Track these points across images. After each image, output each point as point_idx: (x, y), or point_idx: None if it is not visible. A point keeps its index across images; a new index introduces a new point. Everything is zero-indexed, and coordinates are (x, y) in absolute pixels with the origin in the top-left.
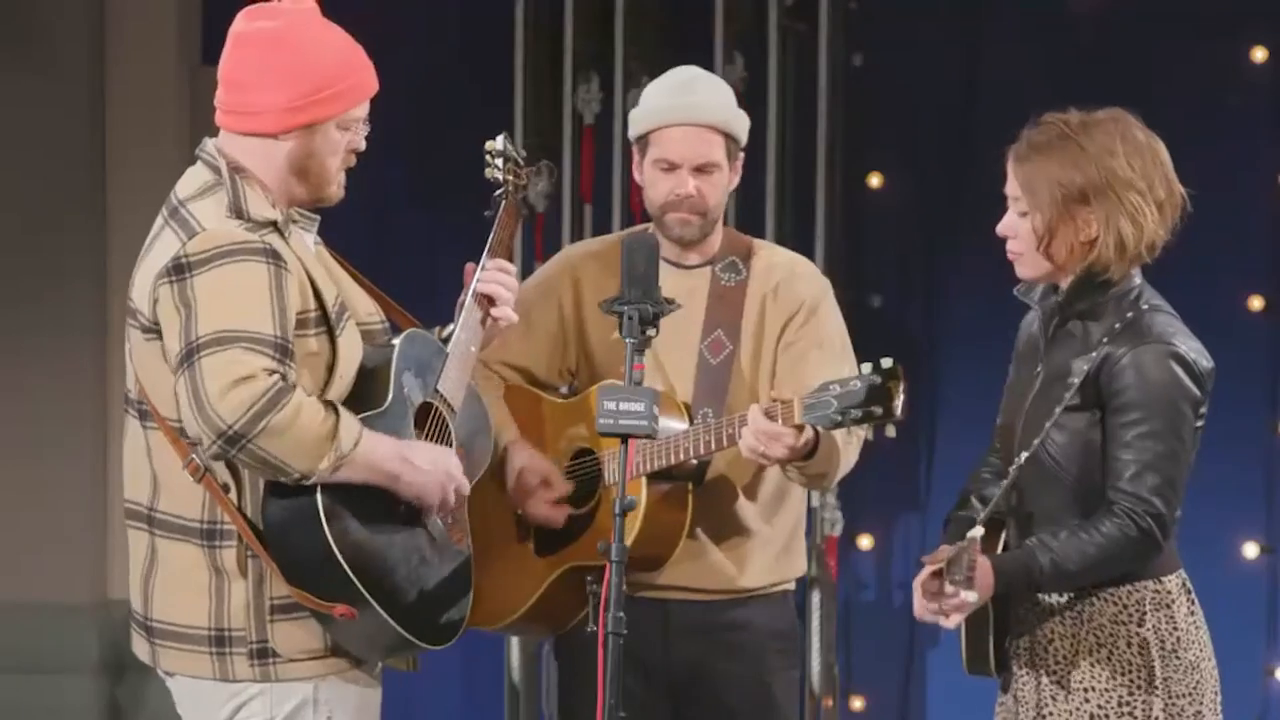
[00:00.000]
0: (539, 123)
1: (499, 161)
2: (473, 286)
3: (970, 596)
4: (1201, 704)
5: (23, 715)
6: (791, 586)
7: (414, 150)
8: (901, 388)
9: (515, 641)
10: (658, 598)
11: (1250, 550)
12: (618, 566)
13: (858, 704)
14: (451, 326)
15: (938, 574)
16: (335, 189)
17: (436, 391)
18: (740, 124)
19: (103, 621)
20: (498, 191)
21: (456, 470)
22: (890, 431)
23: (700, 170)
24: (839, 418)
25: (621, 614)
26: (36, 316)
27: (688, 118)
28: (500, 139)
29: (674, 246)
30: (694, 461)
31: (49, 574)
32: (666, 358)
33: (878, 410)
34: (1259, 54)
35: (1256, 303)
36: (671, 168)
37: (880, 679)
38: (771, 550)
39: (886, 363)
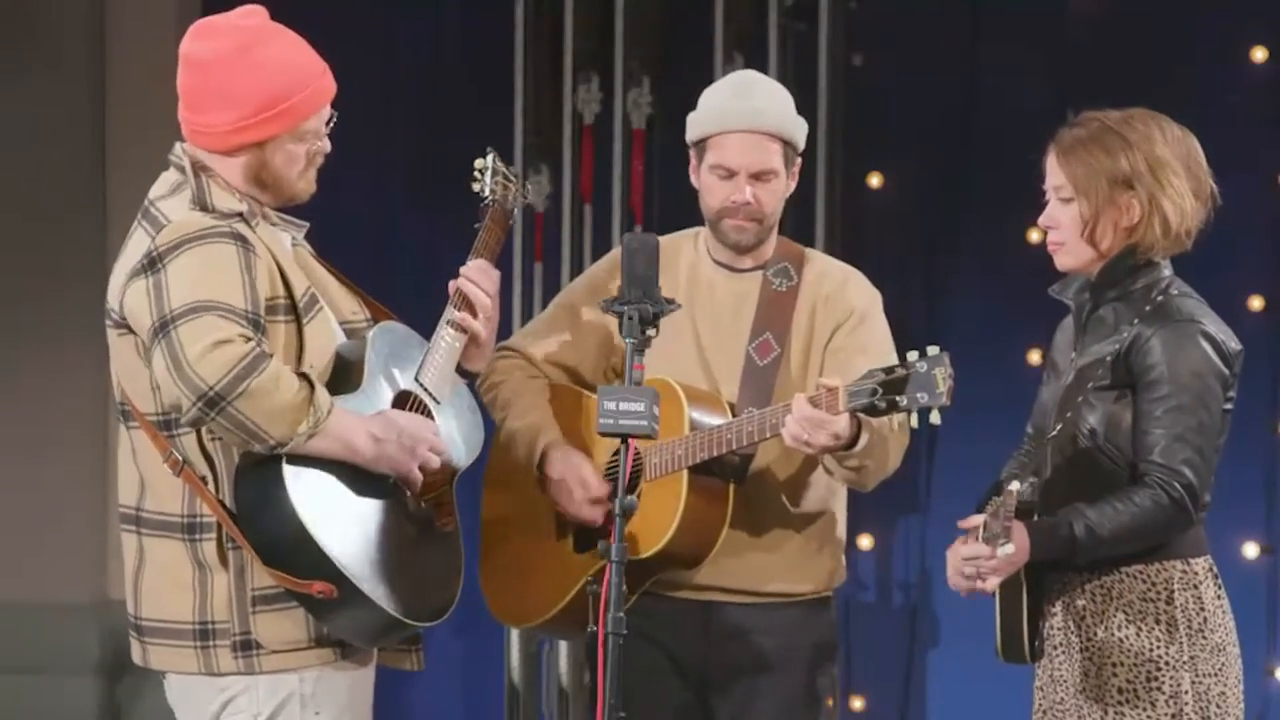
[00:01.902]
0: (539, 123)
1: (487, 177)
2: (456, 292)
3: (1008, 549)
4: (1226, 686)
5: (23, 715)
6: (831, 594)
7: (414, 150)
8: (948, 374)
9: (515, 641)
10: (699, 599)
11: (1250, 550)
12: (617, 567)
13: (858, 704)
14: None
15: (974, 539)
16: (301, 189)
17: (417, 381)
18: (799, 131)
19: (103, 621)
20: (484, 202)
21: (428, 435)
22: (935, 419)
23: (758, 177)
24: (883, 404)
25: (621, 614)
26: (36, 316)
27: (746, 124)
28: (489, 157)
29: (727, 250)
30: (737, 458)
31: (49, 574)
32: (714, 358)
33: (923, 397)
34: (1259, 54)
35: (1256, 303)
36: (729, 174)
37: (880, 679)
38: (815, 556)
39: (932, 350)
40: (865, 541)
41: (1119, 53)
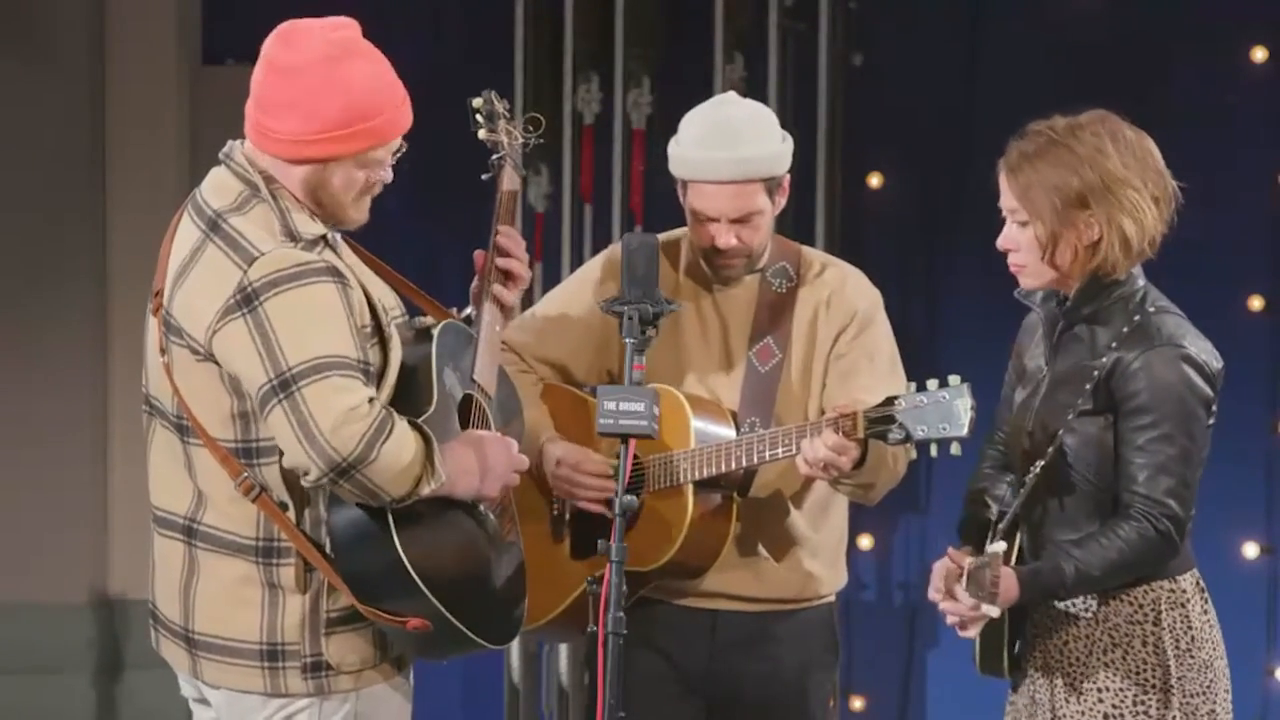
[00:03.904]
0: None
1: (500, 125)
2: (488, 266)
3: (993, 612)
4: (1215, 703)
5: (23, 715)
6: (833, 599)
7: (414, 150)
8: (970, 405)
9: (515, 641)
10: (706, 607)
11: (1250, 550)
12: (617, 566)
13: (858, 704)
14: (469, 310)
15: (957, 583)
16: (353, 216)
17: (473, 381)
18: (783, 161)
19: (103, 621)
20: (496, 155)
21: (510, 457)
22: (955, 450)
23: (740, 220)
24: (901, 434)
25: (621, 614)
26: (36, 316)
27: (724, 175)
28: (485, 95)
29: None
30: (742, 471)
31: (49, 574)
32: (713, 364)
33: (945, 428)
34: (1259, 54)
35: (1256, 303)
36: (710, 220)
37: (880, 679)
38: (819, 560)
39: (954, 379)
40: (865, 541)
41: (1119, 53)
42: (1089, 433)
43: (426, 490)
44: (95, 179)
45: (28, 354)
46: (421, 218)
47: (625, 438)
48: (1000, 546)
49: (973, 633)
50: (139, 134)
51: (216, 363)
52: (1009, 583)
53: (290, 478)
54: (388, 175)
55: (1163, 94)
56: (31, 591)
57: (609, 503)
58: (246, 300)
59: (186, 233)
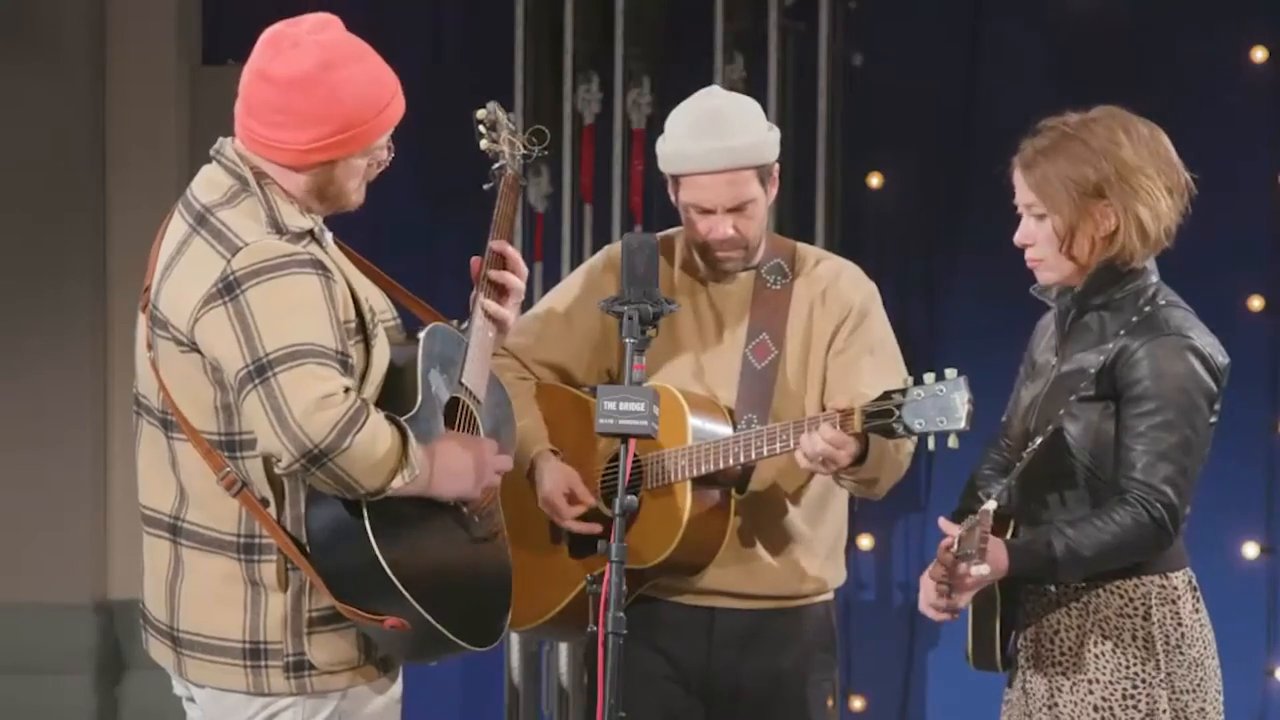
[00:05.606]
0: (539, 123)
1: (502, 135)
2: (482, 277)
3: (982, 569)
4: (1205, 701)
5: (23, 715)
6: (831, 596)
7: (414, 150)
8: (968, 398)
9: (515, 641)
10: (704, 604)
11: (1250, 550)
12: (617, 566)
13: (858, 704)
14: (468, 323)
15: (948, 551)
16: (355, 200)
17: (461, 384)
18: (771, 148)
19: (103, 621)
20: (496, 165)
21: (490, 458)
22: (953, 442)
23: (736, 210)
24: (898, 428)
25: (621, 614)
26: (36, 315)
27: (717, 164)
28: (489, 107)
29: None
30: (739, 468)
31: (49, 574)
32: (708, 362)
33: (943, 421)
34: (1259, 54)
35: (1256, 303)
36: (706, 212)
37: (880, 679)
38: (817, 557)
39: (950, 373)
40: (865, 541)
41: (1119, 53)
42: (1089, 419)
43: (400, 484)
44: (95, 179)
45: (27, 354)
46: (422, 215)
47: (625, 438)
48: (991, 505)
49: (965, 600)
50: (139, 134)
51: (200, 353)
52: (998, 551)
53: (272, 473)
54: (387, 156)
55: (1162, 94)
56: (31, 591)
57: (608, 502)
58: (228, 289)
59: (175, 229)
